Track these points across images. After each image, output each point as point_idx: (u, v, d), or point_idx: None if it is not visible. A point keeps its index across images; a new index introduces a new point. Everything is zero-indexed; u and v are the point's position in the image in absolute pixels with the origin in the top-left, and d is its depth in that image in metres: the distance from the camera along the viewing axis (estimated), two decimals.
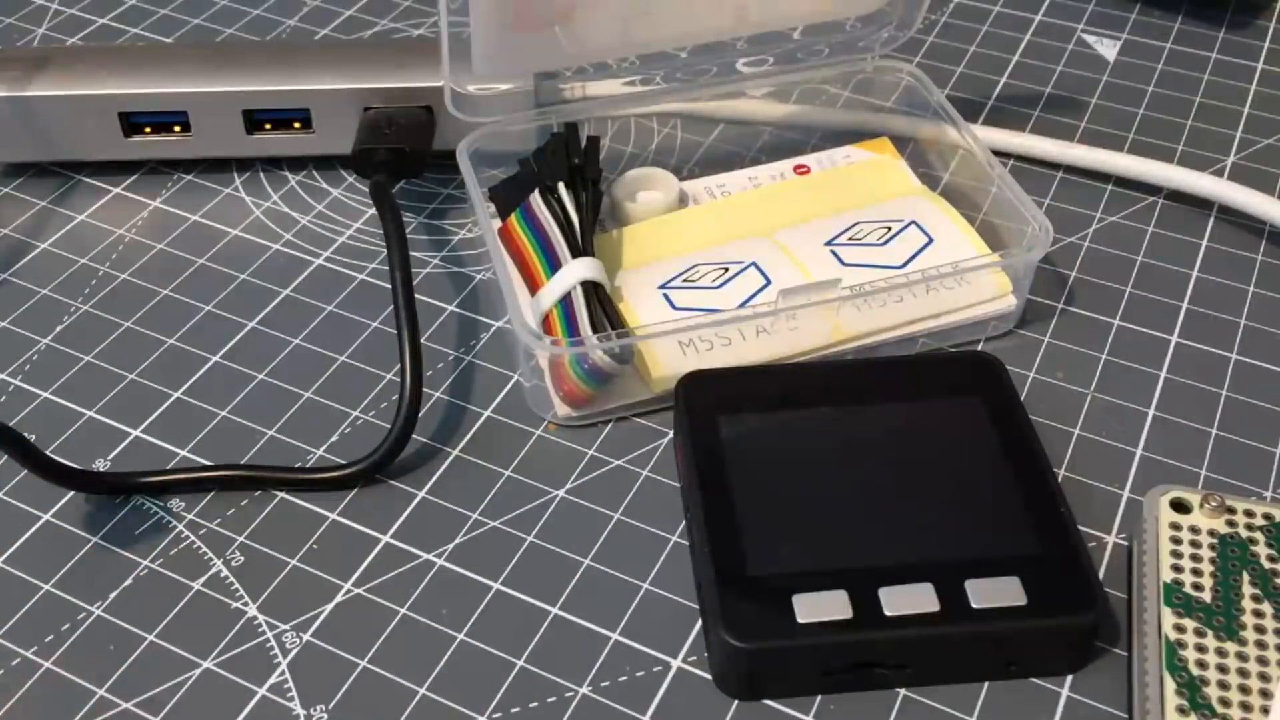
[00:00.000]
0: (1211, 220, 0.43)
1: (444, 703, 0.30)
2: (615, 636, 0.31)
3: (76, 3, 0.53)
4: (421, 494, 0.34)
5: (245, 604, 0.32)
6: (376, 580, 0.32)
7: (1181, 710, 0.28)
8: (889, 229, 0.39)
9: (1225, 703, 0.28)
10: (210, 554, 0.33)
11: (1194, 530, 0.31)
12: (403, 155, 0.41)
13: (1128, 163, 0.43)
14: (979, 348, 0.38)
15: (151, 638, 0.31)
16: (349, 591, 0.32)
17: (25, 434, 0.34)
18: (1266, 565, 0.30)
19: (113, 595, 0.32)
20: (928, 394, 0.34)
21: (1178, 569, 0.30)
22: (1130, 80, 0.49)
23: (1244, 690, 0.28)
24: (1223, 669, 0.28)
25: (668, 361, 0.36)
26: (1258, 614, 0.29)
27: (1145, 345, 0.38)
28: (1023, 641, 0.30)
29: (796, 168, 0.43)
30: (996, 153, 0.42)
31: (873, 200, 0.41)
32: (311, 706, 0.30)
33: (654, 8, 0.40)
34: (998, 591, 0.30)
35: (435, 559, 0.33)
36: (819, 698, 0.30)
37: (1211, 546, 0.31)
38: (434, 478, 0.35)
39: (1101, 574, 0.32)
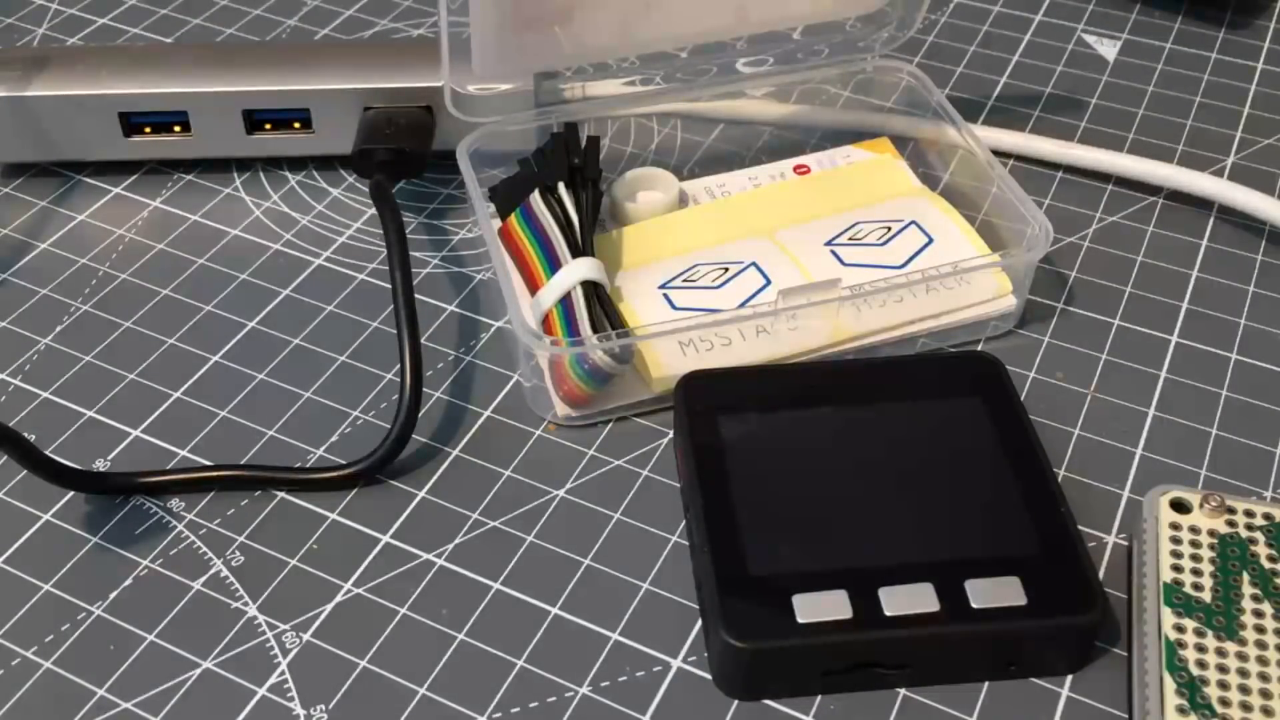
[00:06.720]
0: (1211, 220, 0.43)
1: (444, 703, 0.30)
2: (615, 636, 0.31)
3: (76, 3, 0.53)
4: (421, 494, 0.34)
5: (245, 604, 0.32)
6: (376, 580, 0.32)
7: (1181, 710, 0.28)
8: (889, 229, 0.39)
9: (1225, 703, 0.28)
10: (210, 554, 0.33)
11: (1194, 530, 0.31)
12: (403, 155, 0.41)
13: (1128, 163, 0.43)
14: (979, 348, 0.38)
15: (151, 638, 0.31)
16: (349, 591, 0.32)
17: (25, 434, 0.34)
18: (1266, 565, 0.30)
19: (113, 595, 0.32)
20: (928, 394, 0.34)
21: (1178, 569, 0.30)
22: (1130, 80, 0.49)
23: (1244, 690, 0.28)
24: (1223, 669, 0.28)
25: (668, 361, 0.36)
26: (1258, 614, 0.29)
27: (1145, 345, 0.38)
28: (1023, 641, 0.30)
29: (796, 168, 0.43)
30: (996, 153, 0.42)
31: (873, 200, 0.41)
32: (311, 706, 0.30)
33: (654, 8, 0.40)
34: (998, 591, 0.30)
35: (435, 559, 0.33)
36: (819, 698, 0.30)
37: (1211, 546, 0.31)
38: (434, 478, 0.35)
39: (1101, 574, 0.32)
